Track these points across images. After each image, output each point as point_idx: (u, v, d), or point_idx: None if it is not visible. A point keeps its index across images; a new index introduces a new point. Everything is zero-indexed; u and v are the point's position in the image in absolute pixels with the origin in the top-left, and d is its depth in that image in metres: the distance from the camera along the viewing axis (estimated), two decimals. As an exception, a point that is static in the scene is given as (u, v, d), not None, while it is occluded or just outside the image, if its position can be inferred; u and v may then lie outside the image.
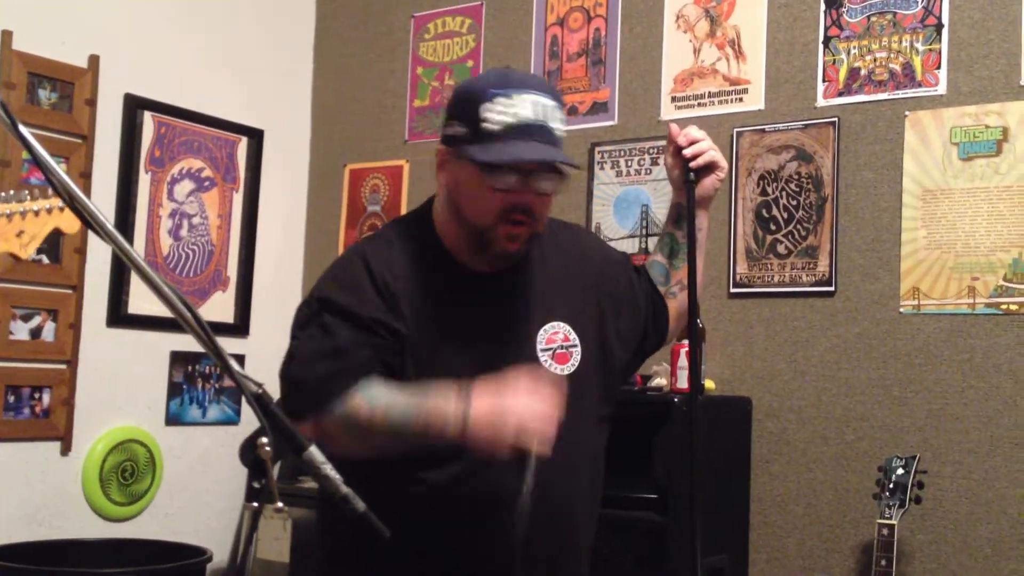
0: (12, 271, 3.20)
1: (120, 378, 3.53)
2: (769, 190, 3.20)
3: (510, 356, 1.72)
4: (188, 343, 3.02)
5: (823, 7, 3.16)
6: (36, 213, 1.25)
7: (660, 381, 3.09)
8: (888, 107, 3.04)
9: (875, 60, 3.07)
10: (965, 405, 2.86)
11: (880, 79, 3.06)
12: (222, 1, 3.91)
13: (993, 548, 2.79)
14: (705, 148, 1.86)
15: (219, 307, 3.85)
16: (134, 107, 3.59)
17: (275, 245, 4.06)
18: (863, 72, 3.09)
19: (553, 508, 1.71)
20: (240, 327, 3.91)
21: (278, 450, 1.21)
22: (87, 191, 3.39)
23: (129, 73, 3.57)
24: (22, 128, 1.17)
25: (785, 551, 3.09)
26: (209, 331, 1.21)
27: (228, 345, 2.88)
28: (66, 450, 3.39)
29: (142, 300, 3.52)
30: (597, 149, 3.51)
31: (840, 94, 3.12)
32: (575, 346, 1.79)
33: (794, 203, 3.16)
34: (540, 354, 1.76)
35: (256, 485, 1.20)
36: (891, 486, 2.65)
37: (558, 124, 1.70)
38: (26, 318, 3.30)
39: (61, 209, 1.25)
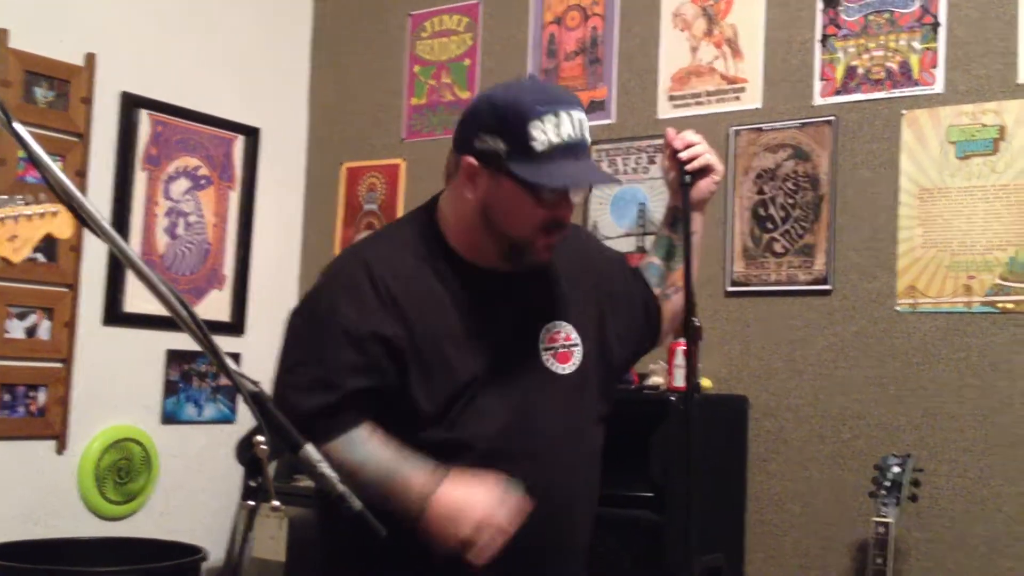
0: (7, 270, 3.19)
1: (116, 377, 3.53)
2: (766, 189, 3.20)
3: (513, 354, 1.73)
4: (184, 342, 3.00)
5: (820, 6, 3.16)
6: (29, 217, 1.25)
7: (657, 380, 3.09)
8: (885, 106, 3.04)
9: (872, 59, 3.07)
10: (961, 403, 2.86)
11: (877, 78, 3.06)
12: (218, -1, 3.91)
13: (988, 546, 2.79)
14: (701, 151, 1.88)
15: (215, 305, 3.85)
16: (130, 105, 3.59)
17: (271, 243, 4.06)
18: (860, 71, 3.09)
19: (553, 508, 1.72)
20: (236, 325, 3.90)
21: (274, 448, 1.20)
22: (83, 189, 3.38)
23: (126, 71, 3.56)
24: (17, 125, 1.17)
25: (782, 549, 3.09)
26: (205, 329, 1.21)
27: (224, 343, 2.87)
28: (61, 449, 3.39)
29: (138, 298, 3.52)
30: (594, 148, 3.51)
31: (837, 93, 3.12)
32: (576, 345, 1.80)
33: (791, 202, 3.16)
34: (542, 353, 1.77)
35: (252, 484, 1.20)
36: (887, 484, 2.66)
37: (589, 136, 1.73)
38: (22, 316, 3.29)
39: (54, 213, 1.25)
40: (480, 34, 3.84)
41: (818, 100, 3.14)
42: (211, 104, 3.84)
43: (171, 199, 3.73)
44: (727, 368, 3.20)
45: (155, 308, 1.23)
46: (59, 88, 3.38)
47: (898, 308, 2.97)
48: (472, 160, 1.69)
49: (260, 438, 1.19)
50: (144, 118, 3.63)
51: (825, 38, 3.15)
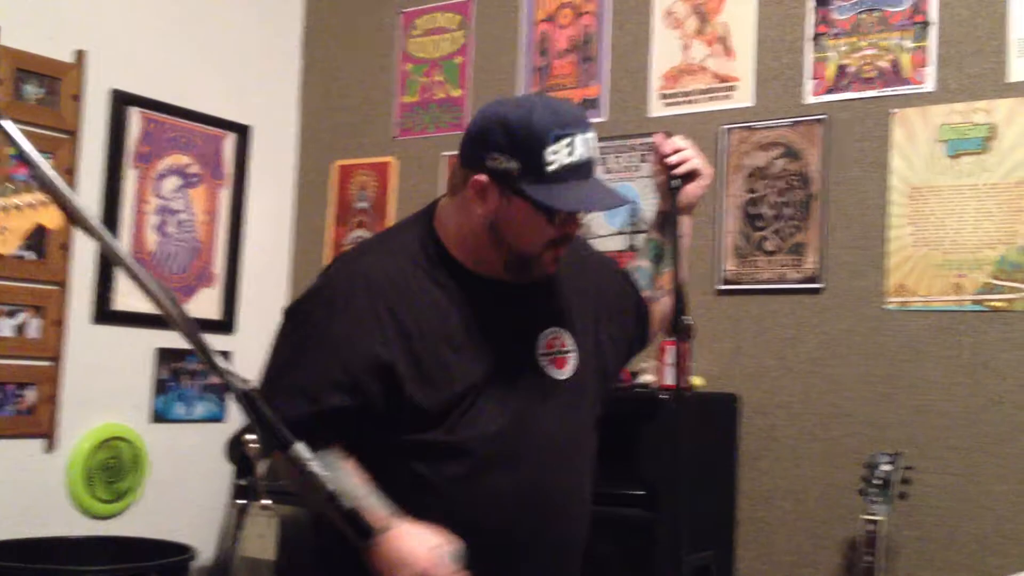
0: (-4, 267, 3.19)
1: (105, 375, 3.52)
2: (757, 187, 3.20)
3: (512, 360, 1.74)
4: (174, 340, 3.00)
5: (812, 4, 3.17)
6: (19, 208, 1.24)
7: (648, 378, 3.09)
8: (876, 104, 3.04)
9: (863, 57, 3.08)
10: (951, 401, 2.87)
11: (868, 76, 3.06)
12: (209, -4, 3.90)
13: (978, 543, 2.80)
14: (689, 156, 1.90)
15: (205, 304, 3.84)
16: (121, 103, 3.58)
17: (262, 242, 4.05)
18: (851, 69, 3.09)
19: (550, 511, 1.73)
20: (226, 324, 3.90)
21: (264, 447, 1.20)
22: (73, 187, 3.37)
23: (116, 69, 3.55)
24: (7, 122, 1.16)
25: (772, 547, 3.09)
26: (195, 328, 1.20)
27: (214, 342, 2.86)
28: (51, 447, 3.38)
29: (128, 297, 3.50)
30: (585, 146, 3.51)
31: (828, 91, 3.12)
32: (573, 351, 1.82)
33: (782, 200, 3.16)
34: (540, 358, 1.78)
35: (242, 482, 1.20)
36: (877, 482, 2.66)
37: (598, 152, 1.75)
38: (11, 314, 3.28)
39: (45, 204, 1.24)
40: (472, 32, 3.84)
41: (809, 99, 3.15)
42: (202, 102, 3.83)
43: (161, 197, 3.72)
44: (718, 366, 3.20)
45: (145, 306, 1.23)
46: (49, 85, 3.37)
47: (888, 306, 2.97)
48: (483, 178, 1.69)
49: (250, 437, 1.19)
50: (134, 115, 3.62)
51: (816, 37, 3.15)
